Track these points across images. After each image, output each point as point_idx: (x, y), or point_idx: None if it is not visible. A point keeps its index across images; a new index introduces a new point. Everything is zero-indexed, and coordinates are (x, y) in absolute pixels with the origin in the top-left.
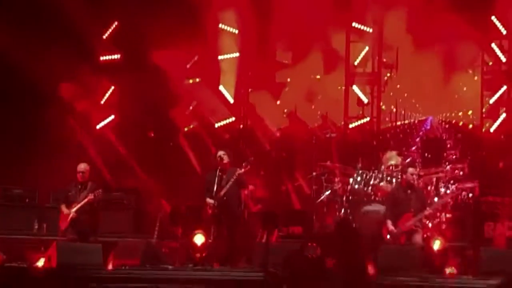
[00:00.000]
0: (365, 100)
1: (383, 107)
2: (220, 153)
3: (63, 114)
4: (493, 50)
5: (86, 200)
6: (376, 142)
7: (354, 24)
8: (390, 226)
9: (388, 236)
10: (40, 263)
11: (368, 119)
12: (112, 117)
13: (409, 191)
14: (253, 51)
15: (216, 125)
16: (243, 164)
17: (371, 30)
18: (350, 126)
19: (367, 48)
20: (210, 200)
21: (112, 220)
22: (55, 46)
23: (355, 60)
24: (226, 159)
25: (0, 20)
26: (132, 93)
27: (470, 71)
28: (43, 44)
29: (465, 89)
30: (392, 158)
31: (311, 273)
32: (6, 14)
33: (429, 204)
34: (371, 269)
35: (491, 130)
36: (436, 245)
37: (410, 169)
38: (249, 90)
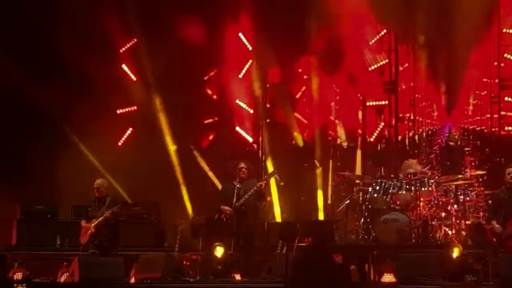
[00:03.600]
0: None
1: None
2: (242, 165)
3: (81, 131)
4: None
5: (103, 217)
6: (395, 151)
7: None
8: (496, 226)
9: (495, 239)
10: (63, 278)
11: (382, 124)
12: (130, 130)
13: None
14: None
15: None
16: (265, 177)
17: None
18: (371, 139)
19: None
20: (226, 207)
21: (133, 233)
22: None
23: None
24: (246, 172)
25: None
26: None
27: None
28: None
29: (484, 92)
30: (411, 166)
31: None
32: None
33: None
34: None
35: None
36: (455, 252)
37: (508, 169)
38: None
